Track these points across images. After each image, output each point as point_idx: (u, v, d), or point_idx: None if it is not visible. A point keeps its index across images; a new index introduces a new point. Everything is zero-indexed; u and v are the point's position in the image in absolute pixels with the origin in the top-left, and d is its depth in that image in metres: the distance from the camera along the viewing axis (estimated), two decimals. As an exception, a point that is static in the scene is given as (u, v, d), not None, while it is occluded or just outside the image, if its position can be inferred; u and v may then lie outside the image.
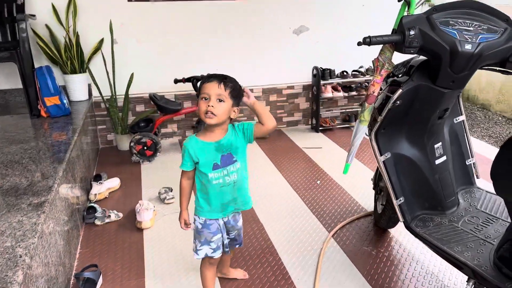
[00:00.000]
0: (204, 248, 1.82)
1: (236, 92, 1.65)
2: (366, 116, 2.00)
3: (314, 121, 4.64)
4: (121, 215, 2.86)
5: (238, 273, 2.22)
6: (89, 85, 4.00)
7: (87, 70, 3.86)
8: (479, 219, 2.08)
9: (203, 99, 1.61)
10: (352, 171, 3.45)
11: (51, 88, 3.32)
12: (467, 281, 1.91)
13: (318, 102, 4.46)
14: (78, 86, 3.86)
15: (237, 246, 1.98)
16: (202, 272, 1.93)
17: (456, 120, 2.23)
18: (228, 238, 1.87)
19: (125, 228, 2.72)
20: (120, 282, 2.20)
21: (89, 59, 3.92)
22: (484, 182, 3.00)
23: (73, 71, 3.80)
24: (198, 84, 3.89)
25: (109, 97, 3.99)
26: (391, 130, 2.07)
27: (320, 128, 4.56)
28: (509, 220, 1.96)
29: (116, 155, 4.02)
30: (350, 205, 2.95)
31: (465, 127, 2.29)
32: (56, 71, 3.71)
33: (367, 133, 2.09)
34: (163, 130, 4.34)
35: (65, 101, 3.37)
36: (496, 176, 1.63)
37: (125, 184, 3.35)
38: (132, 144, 3.72)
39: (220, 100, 1.59)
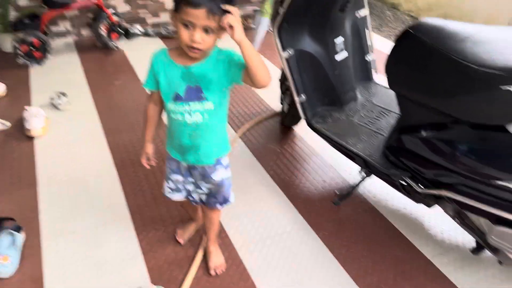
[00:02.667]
0: (164, 183, 1.58)
1: (218, 7, 1.19)
2: (267, 7, 1.88)
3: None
4: (8, 124, 2.56)
5: (216, 260, 1.72)
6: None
7: None
8: (373, 113, 2.17)
9: (184, 25, 1.20)
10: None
11: None
12: (359, 171, 2.04)
13: None
14: None
15: (218, 205, 1.59)
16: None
17: (359, 14, 2.20)
18: (201, 190, 1.56)
19: (14, 138, 2.46)
20: (10, 192, 2.04)
21: None
22: (383, 78, 3.14)
23: None
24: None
25: (-20, -12, 3.34)
26: (294, 25, 1.98)
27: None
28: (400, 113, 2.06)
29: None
30: (258, 106, 2.93)
31: (367, 23, 2.27)
32: None
33: (270, 28, 1.99)
34: (54, 28, 3.81)
35: None
36: (390, 69, 1.65)
37: (12, 90, 2.97)
38: (16, 44, 3.24)
39: (208, 31, 1.21)
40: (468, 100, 1.38)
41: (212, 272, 1.69)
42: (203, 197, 1.59)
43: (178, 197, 1.60)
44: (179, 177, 1.54)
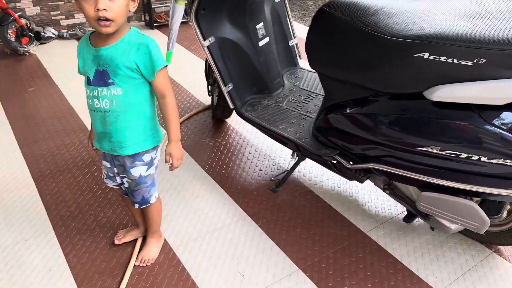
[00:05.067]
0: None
1: None
2: (182, -6, 1.79)
3: (147, 17, 4.22)
4: None
5: (146, 252, 1.64)
6: None
7: None
8: (301, 97, 2.18)
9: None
10: (186, 65, 3.33)
11: None
12: (292, 155, 2.03)
13: (149, -5, 4.02)
14: None
15: (136, 205, 1.50)
16: None
17: (277, -1, 2.19)
18: (124, 182, 1.49)
19: None
20: None
21: None
22: (307, 63, 3.18)
23: None
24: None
25: None
26: (211, 11, 1.92)
27: (155, 24, 4.19)
28: (325, 94, 2.09)
29: None
30: (188, 101, 2.84)
31: (287, 8, 2.27)
32: None
33: (186, 15, 1.91)
34: (-48, 36, 3.44)
35: None
36: (309, 49, 1.65)
37: None
38: None
39: None
40: (385, 71, 1.40)
41: (137, 263, 1.60)
42: (122, 182, 1.51)
43: (112, 184, 1.53)
44: (107, 163, 1.48)
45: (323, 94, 2.14)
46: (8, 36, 3.31)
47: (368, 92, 1.50)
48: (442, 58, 1.24)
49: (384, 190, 1.70)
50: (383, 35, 1.34)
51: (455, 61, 1.23)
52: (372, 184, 1.93)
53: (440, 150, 1.34)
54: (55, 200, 1.92)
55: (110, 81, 1.25)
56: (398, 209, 1.92)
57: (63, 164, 2.17)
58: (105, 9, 1.12)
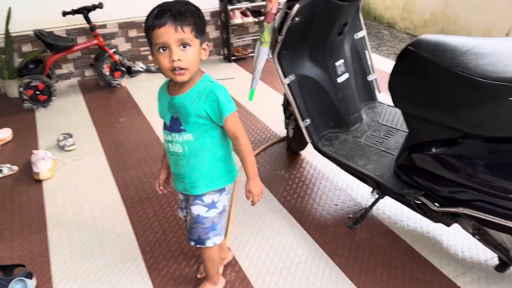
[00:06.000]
0: None
1: (200, 23, 1.22)
2: (266, 36, 1.88)
3: (226, 51, 4.44)
4: (16, 168, 2.57)
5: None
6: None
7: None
8: (380, 132, 2.15)
9: (160, 50, 1.20)
10: (262, 97, 3.44)
11: None
12: (371, 192, 2.00)
13: (228, 30, 4.24)
14: None
15: (191, 242, 1.51)
16: None
17: (357, 36, 2.21)
18: (187, 216, 1.53)
19: (22, 182, 2.46)
20: (20, 239, 2.01)
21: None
22: (386, 97, 3.13)
23: None
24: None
25: (-15, 37, 3.43)
26: (293, 51, 1.99)
27: (233, 58, 4.40)
28: (407, 130, 2.04)
29: (6, 103, 3.56)
30: (263, 133, 2.93)
31: (366, 43, 2.28)
32: None
33: (270, 55, 2.00)
34: (57, 71, 3.89)
35: None
36: (393, 87, 1.64)
37: (18, 135, 3.00)
38: (21, 89, 3.29)
39: (185, 45, 1.20)
40: (476, 113, 1.35)
41: None
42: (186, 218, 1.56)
43: (181, 214, 1.59)
44: (180, 195, 1.55)
45: (405, 130, 2.11)
46: (103, 70, 3.67)
47: (457, 133, 1.45)
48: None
49: (473, 235, 1.61)
50: (475, 77, 1.30)
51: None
52: (458, 225, 1.83)
53: (540, 198, 1.25)
54: (143, 226, 2.06)
55: (182, 127, 1.32)
56: (487, 254, 1.80)
57: (151, 192, 2.32)
58: (179, 60, 1.19)
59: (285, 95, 2.60)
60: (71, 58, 3.88)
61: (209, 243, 1.50)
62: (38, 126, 3.14)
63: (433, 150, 1.57)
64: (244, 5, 4.25)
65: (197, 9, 1.23)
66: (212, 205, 1.46)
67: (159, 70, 4.09)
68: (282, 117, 2.65)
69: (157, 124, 3.08)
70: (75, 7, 3.49)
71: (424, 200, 1.63)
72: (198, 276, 1.77)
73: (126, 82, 3.85)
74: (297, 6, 1.77)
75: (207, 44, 1.29)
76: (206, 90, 1.28)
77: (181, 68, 1.21)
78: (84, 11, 3.42)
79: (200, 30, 1.22)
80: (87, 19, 3.46)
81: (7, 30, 3.41)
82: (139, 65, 4.04)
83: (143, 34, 4.04)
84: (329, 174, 2.42)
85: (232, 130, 1.34)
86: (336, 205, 2.17)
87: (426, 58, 1.46)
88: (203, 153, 1.37)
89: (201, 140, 1.34)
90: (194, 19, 1.20)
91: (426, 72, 1.48)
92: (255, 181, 1.42)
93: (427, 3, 4.90)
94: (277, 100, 3.39)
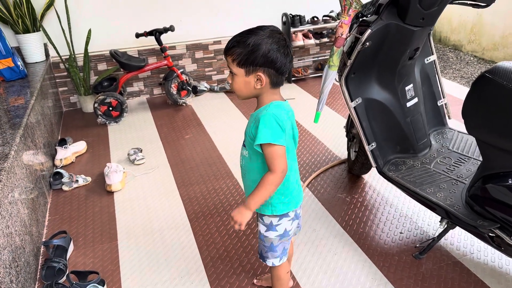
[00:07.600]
0: None
1: (243, 56, 1.25)
2: (335, 60, 1.90)
3: (286, 71, 4.51)
4: (89, 179, 2.75)
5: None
6: (45, 45, 3.73)
7: (40, 29, 3.59)
8: (451, 160, 2.08)
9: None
10: (324, 119, 3.44)
11: (1, 49, 3.08)
12: (440, 221, 1.92)
13: (289, 51, 4.31)
14: (32, 46, 3.59)
15: (258, 255, 1.61)
16: None
17: (427, 60, 2.17)
18: None
19: (95, 192, 2.63)
20: (92, 246, 2.14)
21: (42, 16, 3.62)
22: (456, 123, 3.01)
23: (26, 30, 3.52)
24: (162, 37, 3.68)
25: (67, 57, 3.74)
26: (361, 75, 1.99)
27: (293, 79, 4.46)
28: (480, 159, 1.95)
29: (81, 117, 3.84)
30: (324, 154, 2.92)
31: (436, 67, 2.23)
32: (7, 31, 3.45)
33: (337, 79, 2.01)
34: (129, 89, 4.15)
35: (19, 63, 3.14)
36: (467, 114, 1.59)
37: (92, 147, 3.22)
38: (96, 105, 3.54)
39: (233, 74, 1.32)
40: None
41: None
42: None
43: None
44: None
45: (477, 158, 2.03)
46: (171, 89, 3.86)
47: (539, 165, 1.38)
48: None
49: (556, 274, 1.50)
50: (563, 107, 1.24)
51: None
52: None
53: None
54: (206, 241, 2.12)
55: (244, 143, 1.43)
56: None
57: (213, 207, 2.39)
58: (230, 83, 1.35)
59: (349, 118, 2.59)
60: (141, 77, 4.12)
61: (268, 262, 1.56)
62: (110, 140, 3.35)
63: (510, 182, 1.49)
64: (307, 27, 4.31)
65: (251, 42, 1.24)
66: (271, 227, 1.48)
67: (222, 89, 4.24)
68: (343, 139, 2.63)
69: (219, 142, 3.18)
70: (148, 29, 3.73)
71: (499, 233, 1.55)
72: (255, 281, 1.81)
73: (191, 100, 4.03)
74: (368, 31, 1.78)
75: (260, 75, 1.27)
76: (259, 114, 1.32)
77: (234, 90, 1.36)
78: (156, 33, 3.64)
79: (243, 61, 1.26)
80: (158, 41, 3.67)
81: (86, 50, 3.70)
82: (204, 85, 4.21)
83: (208, 55, 4.24)
84: (393, 200, 2.36)
85: (267, 161, 1.32)
86: (401, 233, 2.11)
87: (504, 86, 1.41)
88: (254, 173, 1.40)
89: (253, 158, 1.39)
90: (240, 50, 1.25)
91: (504, 100, 1.43)
92: (242, 209, 1.36)
93: (497, 25, 4.70)
94: (338, 122, 3.37)
